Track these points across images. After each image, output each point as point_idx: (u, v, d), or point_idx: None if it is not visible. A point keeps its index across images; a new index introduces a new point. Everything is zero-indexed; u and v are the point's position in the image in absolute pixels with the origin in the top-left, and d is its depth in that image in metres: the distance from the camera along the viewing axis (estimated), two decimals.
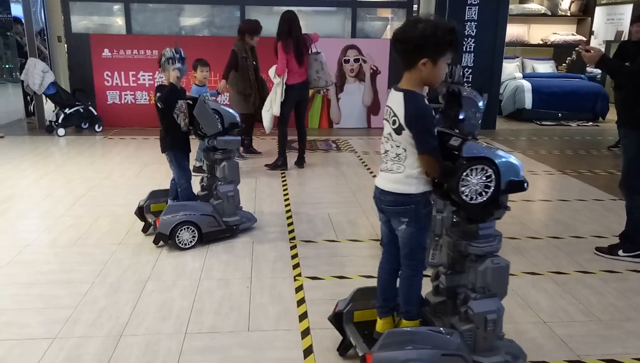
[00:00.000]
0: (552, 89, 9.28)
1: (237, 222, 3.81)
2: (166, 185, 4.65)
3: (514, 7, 10.74)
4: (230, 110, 3.81)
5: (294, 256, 3.53)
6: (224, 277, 3.20)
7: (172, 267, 3.34)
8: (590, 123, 9.18)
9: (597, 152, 7.06)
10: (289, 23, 5.45)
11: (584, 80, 9.85)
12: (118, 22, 8.10)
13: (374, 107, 8.35)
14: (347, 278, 3.22)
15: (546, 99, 9.19)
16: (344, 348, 2.42)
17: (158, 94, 3.69)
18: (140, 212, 3.90)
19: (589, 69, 11.85)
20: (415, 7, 8.86)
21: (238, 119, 3.81)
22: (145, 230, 3.87)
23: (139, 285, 3.08)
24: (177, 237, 3.55)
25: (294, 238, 3.84)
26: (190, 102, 3.70)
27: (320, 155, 6.50)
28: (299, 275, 3.25)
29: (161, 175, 5.39)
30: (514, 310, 2.88)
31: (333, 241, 3.81)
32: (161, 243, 3.61)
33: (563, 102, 9.19)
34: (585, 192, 5.14)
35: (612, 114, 9.33)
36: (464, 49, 8.01)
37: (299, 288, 3.07)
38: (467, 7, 7.88)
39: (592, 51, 3.34)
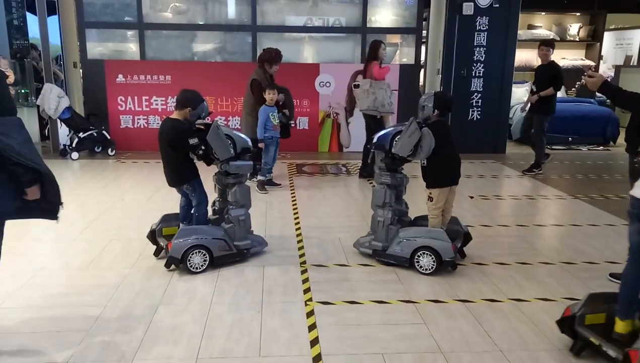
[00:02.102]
0: (562, 113, 9.23)
1: (248, 246, 3.83)
2: (178, 209, 4.68)
3: (522, 33, 10.86)
4: (242, 136, 3.86)
5: (305, 280, 3.53)
6: (234, 302, 3.20)
7: (183, 291, 3.34)
8: (601, 147, 9.15)
9: (608, 176, 7.02)
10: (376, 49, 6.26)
11: (594, 105, 9.86)
12: (132, 48, 8.28)
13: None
14: (359, 303, 3.21)
15: (556, 123, 9.13)
16: (577, 349, 2.66)
17: (169, 135, 3.68)
18: (153, 236, 3.93)
19: (598, 94, 11.86)
20: (424, 32, 8.98)
21: (250, 143, 3.86)
22: (157, 253, 3.89)
23: (151, 309, 3.09)
24: (189, 260, 3.56)
25: (304, 262, 3.84)
26: (203, 127, 3.75)
27: (330, 179, 6.53)
28: (310, 300, 3.24)
29: (172, 199, 5.41)
30: (528, 337, 2.85)
31: (344, 265, 3.80)
32: (173, 267, 3.62)
33: (573, 126, 9.19)
34: (597, 217, 5.10)
35: (622, 138, 9.31)
36: (473, 74, 8.08)
37: (310, 313, 3.06)
38: (476, 33, 7.97)
39: (595, 77, 3.40)
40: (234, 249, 3.74)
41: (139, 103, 7.95)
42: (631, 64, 12.16)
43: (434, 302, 3.24)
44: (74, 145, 7.36)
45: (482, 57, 8.05)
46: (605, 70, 12.58)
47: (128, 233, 4.41)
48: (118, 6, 8.07)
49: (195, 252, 3.58)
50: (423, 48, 9.19)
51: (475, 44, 7.98)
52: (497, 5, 7.88)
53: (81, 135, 7.41)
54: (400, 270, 3.71)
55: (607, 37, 12.31)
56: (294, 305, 3.17)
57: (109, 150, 7.65)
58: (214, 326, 2.91)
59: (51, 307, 3.08)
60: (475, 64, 8.05)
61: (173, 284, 3.43)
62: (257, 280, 3.52)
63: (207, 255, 3.62)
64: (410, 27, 8.39)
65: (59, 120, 7.50)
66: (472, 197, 5.66)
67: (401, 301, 3.24)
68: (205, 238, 3.62)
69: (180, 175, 3.79)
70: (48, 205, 2.60)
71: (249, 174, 4.25)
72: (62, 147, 7.64)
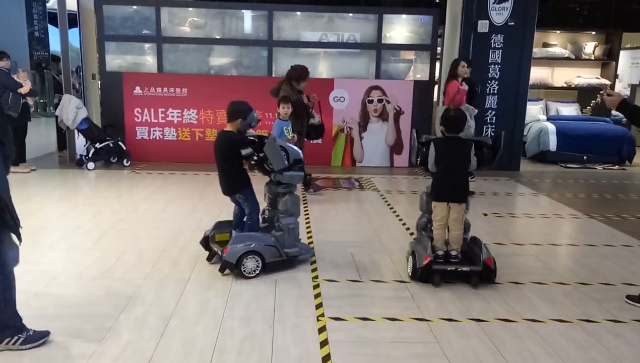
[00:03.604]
0: (576, 131, 9.23)
1: (296, 253, 3.97)
2: (192, 220, 4.71)
3: (537, 51, 10.82)
4: (295, 148, 3.99)
5: (317, 295, 3.51)
6: (246, 316, 3.20)
7: (195, 303, 3.35)
8: (617, 166, 9.05)
9: (624, 196, 6.94)
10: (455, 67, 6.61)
11: (609, 124, 9.78)
12: (149, 61, 8.41)
13: (397, 147, 8.40)
14: (371, 320, 3.19)
15: (571, 142, 9.13)
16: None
17: (223, 146, 3.90)
18: (206, 242, 4.06)
19: (614, 112, 11.79)
20: (439, 49, 9.01)
21: (301, 155, 3.99)
22: (210, 259, 4.02)
23: (163, 320, 3.09)
24: (243, 265, 3.71)
25: (316, 277, 3.83)
26: (256, 139, 3.89)
27: (343, 194, 6.53)
28: (322, 315, 3.23)
29: (186, 210, 5.48)
30: (542, 359, 2.80)
31: (356, 281, 3.79)
32: (191, 276, 3.63)
33: (588, 144, 9.12)
34: (613, 237, 5.04)
35: (638, 158, 9.21)
36: (487, 91, 8.08)
37: (322, 329, 3.05)
38: (490, 50, 7.99)
39: (613, 95, 3.39)
40: (284, 256, 3.88)
41: (155, 115, 8.06)
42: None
43: (447, 320, 3.21)
44: (90, 155, 7.46)
45: (496, 74, 8.05)
46: (621, 89, 12.47)
47: (141, 244, 4.44)
48: (137, 20, 8.23)
49: (249, 258, 3.73)
50: (437, 65, 9.22)
51: (490, 61, 7.99)
52: (512, 23, 7.89)
53: (97, 145, 7.51)
54: (413, 286, 3.69)
55: (623, 55, 12.21)
56: (305, 320, 3.16)
57: (125, 160, 7.74)
58: (225, 340, 2.90)
59: (64, 317, 3.10)
60: (489, 81, 8.05)
61: (185, 296, 3.44)
62: (269, 294, 3.51)
63: (259, 261, 3.77)
64: (425, 43, 8.43)
65: (76, 131, 7.61)
66: (485, 215, 5.62)
67: (414, 319, 3.22)
68: (258, 245, 3.77)
69: (234, 184, 3.97)
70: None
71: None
72: (78, 157, 7.74)
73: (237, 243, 3.73)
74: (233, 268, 3.71)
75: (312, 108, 6.21)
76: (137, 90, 7.98)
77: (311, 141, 6.62)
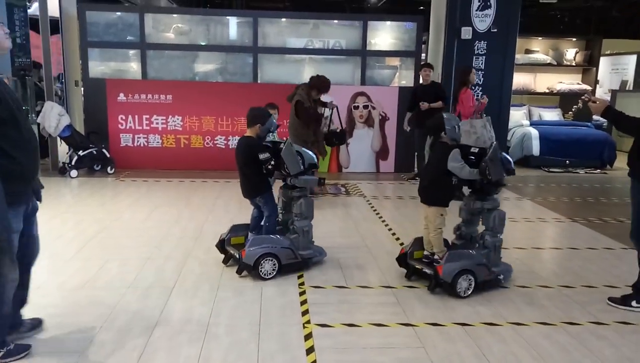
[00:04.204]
0: (559, 136, 9.37)
1: (310, 255, 4.07)
2: (177, 228, 4.67)
3: (520, 57, 10.99)
4: (310, 152, 4.10)
5: (303, 302, 3.50)
6: (232, 323, 3.18)
7: (180, 311, 3.32)
8: (598, 171, 9.19)
9: (606, 199, 7.04)
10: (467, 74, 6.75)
11: (591, 128, 9.94)
12: (134, 68, 8.35)
13: (382, 153, 8.44)
14: (357, 326, 3.18)
15: (553, 146, 9.26)
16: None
17: (244, 151, 3.99)
18: (222, 245, 4.15)
19: (595, 117, 11.99)
20: (423, 56, 9.09)
21: (315, 160, 4.12)
22: (226, 261, 4.10)
23: (147, 330, 3.06)
24: (261, 267, 3.80)
25: (303, 283, 3.82)
26: (270, 145, 3.98)
27: (330, 199, 6.53)
28: (308, 322, 3.22)
29: (171, 217, 5.43)
30: (526, 362, 2.82)
31: (343, 287, 3.78)
32: (176, 284, 3.60)
33: (570, 149, 9.26)
34: (595, 241, 5.10)
35: (620, 162, 9.37)
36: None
37: (308, 336, 3.04)
38: (474, 57, 8.09)
39: (597, 102, 3.44)
40: (299, 258, 3.97)
41: (140, 122, 7.99)
42: (627, 88, 12.29)
43: (433, 325, 3.22)
44: (73, 163, 7.37)
45: (480, 80, 8.15)
46: (602, 94, 12.70)
47: (125, 252, 4.39)
48: (121, 26, 8.17)
49: (267, 260, 3.82)
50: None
51: (473, 67, 8.07)
52: (495, 30, 8.00)
53: (81, 153, 7.42)
54: (399, 292, 3.70)
55: (603, 62, 12.45)
56: (291, 327, 3.15)
57: (108, 168, 7.66)
58: (210, 348, 2.88)
59: (46, 328, 3.04)
60: (473, 87, 8.12)
61: (170, 305, 3.41)
62: (254, 301, 3.49)
63: (276, 263, 3.85)
64: (409, 50, 8.50)
65: (58, 138, 7.52)
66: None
67: (400, 324, 3.22)
68: (275, 247, 3.87)
69: (254, 188, 4.08)
70: None
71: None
72: (61, 165, 7.64)
73: (254, 246, 3.83)
74: (251, 270, 3.80)
75: (331, 114, 6.56)
76: (121, 96, 7.91)
77: (332, 147, 6.97)
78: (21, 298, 2.85)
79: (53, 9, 7.88)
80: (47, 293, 3.56)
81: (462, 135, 3.75)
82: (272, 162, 3.87)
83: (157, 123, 8.02)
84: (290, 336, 3.03)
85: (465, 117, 6.67)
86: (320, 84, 6.16)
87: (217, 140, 8.11)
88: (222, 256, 4.17)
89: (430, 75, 7.35)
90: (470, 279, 3.61)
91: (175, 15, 8.75)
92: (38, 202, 2.84)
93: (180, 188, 6.92)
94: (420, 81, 7.56)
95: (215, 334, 3.03)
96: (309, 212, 4.07)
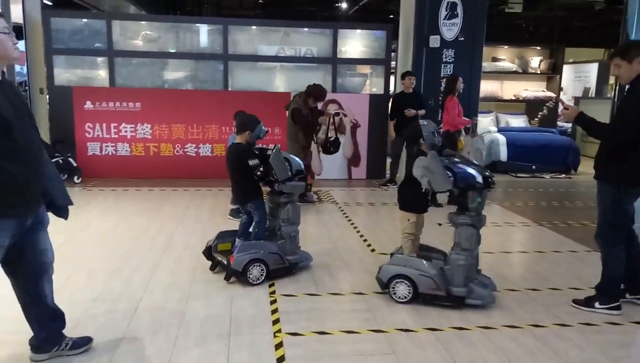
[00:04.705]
0: (525, 142, 9.60)
1: (297, 260, 4.13)
2: (146, 238, 4.60)
3: (487, 65, 11.24)
4: (297, 159, 4.17)
5: (274, 311, 3.48)
6: (201, 334, 3.14)
7: (148, 324, 3.26)
8: (563, 175, 9.45)
9: (570, 203, 7.24)
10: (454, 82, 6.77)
11: (556, 134, 10.22)
12: (101, 75, 8.20)
13: (354, 159, 8.49)
14: (329, 334, 3.18)
15: (520, 152, 9.48)
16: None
17: (235, 157, 4.05)
18: (209, 252, 4.16)
19: (559, 123, 12.35)
20: (393, 63, 9.20)
21: (303, 166, 4.17)
22: (213, 268, 4.12)
23: (114, 343, 2.99)
24: (249, 273, 3.83)
25: (274, 292, 3.80)
26: (257, 152, 4.05)
27: (302, 206, 6.48)
28: (279, 331, 3.20)
29: (140, 227, 5.34)
30: None
31: (314, 295, 3.78)
32: (144, 295, 3.53)
33: (536, 154, 9.49)
34: (560, 244, 5.23)
35: (583, 166, 9.65)
36: (441, 104, 8.28)
37: (278, 345, 3.02)
38: (442, 65, 8.22)
39: (570, 109, 3.52)
40: (287, 263, 4.02)
41: (107, 130, 7.85)
42: (589, 95, 12.70)
43: (404, 331, 3.24)
44: None
45: None
46: (566, 101, 13.10)
47: (92, 263, 4.29)
48: (87, 33, 8.02)
49: (255, 265, 3.85)
50: (392, 78, 9.41)
51: (442, 75, 8.22)
52: (462, 39, 8.16)
53: None
54: (370, 298, 3.71)
55: (567, 69, 12.85)
56: (262, 337, 3.12)
57: (75, 177, 7.49)
58: (179, 361, 2.83)
59: (7, 344, 2.95)
60: (442, 95, 8.26)
61: (138, 317, 3.34)
62: (224, 312, 3.46)
63: (264, 269, 3.88)
64: (379, 58, 8.59)
65: None
66: (440, 224, 5.74)
67: (371, 330, 3.23)
68: (263, 253, 3.90)
69: (245, 194, 4.14)
70: None
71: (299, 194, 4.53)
72: None
73: (242, 252, 3.86)
74: (239, 276, 3.83)
75: (328, 122, 6.79)
76: (88, 104, 7.76)
77: (329, 155, 7.09)
78: (50, 314, 2.85)
79: (16, 15, 7.68)
80: (8, 306, 3.43)
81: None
82: (261, 168, 3.94)
83: (125, 131, 7.89)
84: (260, 346, 3.01)
85: (448, 124, 6.74)
86: (316, 92, 6.39)
87: (187, 148, 8.03)
88: (193, 265, 4.12)
89: (414, 83, 7.44)
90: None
91: (143, 23, 8.64)
92: (61, 218, 2.87)
93: (150, 197, 6.81)
94: (402, 89, 7.56)
95: (184, 346, 2.99)
96: (296, 217, 4.12)
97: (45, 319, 2.83)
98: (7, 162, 2.30)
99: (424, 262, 3.65)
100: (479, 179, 3.48)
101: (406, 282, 3.60)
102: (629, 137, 3.30)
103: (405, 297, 3.61)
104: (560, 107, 3.73)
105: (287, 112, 6.48)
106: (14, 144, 2.32)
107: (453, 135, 6.76)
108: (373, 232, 5.45)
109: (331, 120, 6.94)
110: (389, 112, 7.84)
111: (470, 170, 3.51)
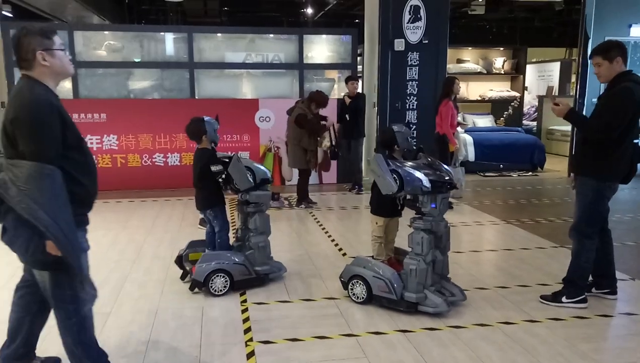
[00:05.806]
0: (492, 141, 9.78)
1: (267, 271, 4.04)
2: (113, 251, 4.51)
3: (452, 67, 11.43)
4: (262, 167, 4.09)
5: (246, 320, 3.45)
6: (171, 347, 3.08)
7: (116, 337, 3.19)
8: (530, 173, 9.65)
9: (537, 201, 7.40)
10: (450, 84, 6.61)
11: (521, 133, 10.45)
12: (66, 87, 8.02)
13: (324, 164, 8.49)
14: (301, 340, 3.17)
15: (487, 152, 9.66)
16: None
17: (200, 161, 4.01)
18: (180, 261, 4.12)
19: (525, 122, 12.63)
20: (359, 67, 9.26)
21: (269, 174, 4.09)
22: (183, 277, 4.08)
23: None
24: (211, 284, 3.76)
25: (245, 301, 3.77)
26: (227, 160, 3.95)
27: (272, 212, 6.46)
28: (251, 340, 3.17)
29: (108, 240, 5.23)
30: None
31: (286, 302, 3.76)
32: (112, 309, 3.45)
33: (503, 153, 9.68)
34: (528, 241, 5.34)
35: (549, 164, 9.89)
36: (407, 107, 8.39)
37: (250, 354, 3.00)
38: (408, 67, 8.32)
39: (560, 104, 3.52)
40: (254, 274, 3.94)
41: None
42: (553, 93, 13.03)
43: (375, 333, 3.26)
44: None
45: (415, 90, 8.39)
46: (530, 100, 13.41)
47: None
48: None
49: (218, 276, 3.78)
50: (360, 82, 9.46)
51: (407, 78, 8.32)
52: (427, 42, 8.28)
53: None
54: (342, 302, 3.72)
55: (530, 69, 13.16)
56: (234, 346, 3.09)
57: None
58: None
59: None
60: (408, 97, 8.37)
61: (106, 331, 3.27)
62: (195, 322, 3.41)
63: (228, 279, 3.81)
64: (345, 62, 8.63)
65: None
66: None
67: (342, 335, 3.24)
68: (226, 263, 3.82)
69: (206, 200, 4.08)
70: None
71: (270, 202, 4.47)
72: None
73: (205, 262, 3.79)
74: (201, 286, 3.77)
75: (329, 130, 7.06)
76: None
77: (334, 160, 7.55)
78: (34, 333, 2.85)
79: None
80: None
81: None
82: (224, 176, 3.90)
83: (91, 143, 7.72)
84: (232, 356, 2.98)
85: (441, 128, 6.54)
86: (319, 98, 6.57)
87: (155, 158, 7.92)
88: (162, 277, 4.07)
89: (357, 88, 7.61)
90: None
91: (107, 32, 8.49)
92: None
93: (118, 209, 6.68)
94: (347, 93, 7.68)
95: (154, 359, 2.93)
96: (265, 227, 4.06)
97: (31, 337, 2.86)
98: (82, 176, 2.45)
99: (383, 265, 3.67)
100: (425, 183, 3.36)
101: (362, 282, 3.63)
102: (619, 132, 3.35)
103: (362, 298, 3.65)
104: (550, 103, 3.67)
105: (288, 117, 6.74)
106: (85, 159, 2.48)
107: (444, 138, 6.57)
108: (344, 237, 5.46)
109: (332, 127, 7.19)
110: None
111: (418, 174, 3.37)
